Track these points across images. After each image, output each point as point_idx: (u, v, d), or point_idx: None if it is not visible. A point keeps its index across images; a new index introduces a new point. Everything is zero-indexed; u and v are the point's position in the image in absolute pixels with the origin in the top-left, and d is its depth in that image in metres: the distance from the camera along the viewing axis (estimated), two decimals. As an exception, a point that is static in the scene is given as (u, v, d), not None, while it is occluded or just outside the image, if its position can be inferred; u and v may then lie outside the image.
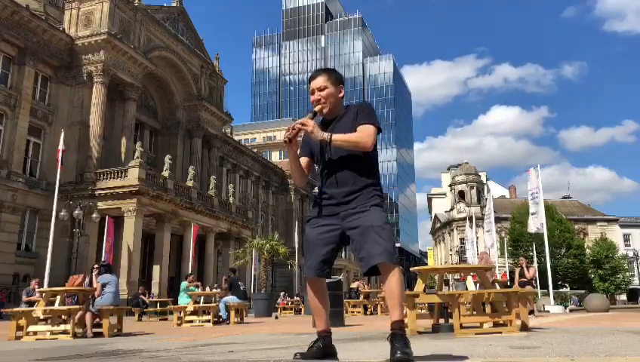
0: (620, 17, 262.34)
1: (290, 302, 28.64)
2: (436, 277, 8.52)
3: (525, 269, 14.39)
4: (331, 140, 3.09)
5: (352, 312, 17.89)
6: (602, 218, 74.53)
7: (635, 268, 57.95)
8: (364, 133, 3.10)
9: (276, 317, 14.44)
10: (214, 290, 18.38)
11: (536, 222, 23.18)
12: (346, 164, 3.18)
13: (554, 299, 23.11)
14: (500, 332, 5.91)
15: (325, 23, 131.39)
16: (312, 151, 3.36)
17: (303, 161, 3.37)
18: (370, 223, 3.03)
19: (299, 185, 3.52)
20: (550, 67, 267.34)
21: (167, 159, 33.72)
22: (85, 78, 32.45)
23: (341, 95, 3.32)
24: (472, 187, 75.42)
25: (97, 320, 8.97)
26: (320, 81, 3.29)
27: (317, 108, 3.29)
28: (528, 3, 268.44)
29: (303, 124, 3.12)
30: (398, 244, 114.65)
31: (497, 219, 38.68)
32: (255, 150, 61.18)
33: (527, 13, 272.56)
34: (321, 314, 3.25)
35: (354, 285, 22.07)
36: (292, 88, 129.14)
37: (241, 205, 45.17)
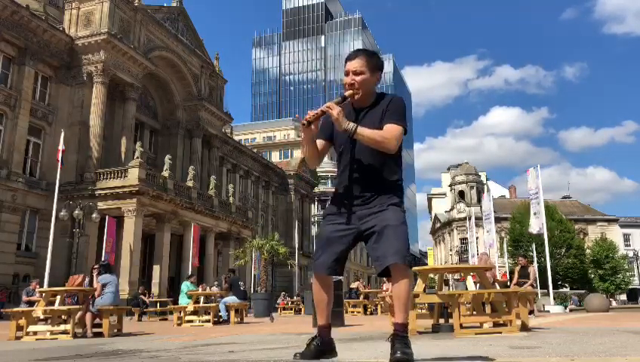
0: (619, 20, 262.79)
1: (290, 302, 28.63)
2: (436, 277, 8.52)
3: (530, 272, 14.10)
4: (355, 132, 2.92)
5: (352, 312, 17.90)
6: (602, 218, 74.49)
7: (635, 268, 57.92)
8: (389, 135, 2.94)
9: (272, 320, 14.36)
10: (215, 289, 18.36)
11: (538, 223, 23.17)
12: (373, 159, 3.03)
13: (554, 299, 23.11)
14: (500, 332, 5.92)
15: (325, 23, 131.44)
16: (332, 136, 3.18)
17: (320, 143, 3.17)
18: (386, 223, 2.95)
19: (311, 167, 3.46)
20: (550, 68, 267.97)
21: (167, 159, 33.72)
22: (85, 78, 32.44)
23: (377, 83, 3.12)
24: (472, 187, 75.39)
25: (97, 320, 8.97)
26: (357, 63, 3.05)
27: (348, 93, 3.05)
28: (528, 5, 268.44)
29: (328, 107, 2.92)
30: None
31: (497, 219, 38.67)
32: (255, 150, 61.17)
33: (527, 14, 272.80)
34: (325, 307, 3.19)
35: (354, 285, 22.08)
36: (292, 88, 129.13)
37: (241, 205, 45.15)
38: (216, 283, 26.30)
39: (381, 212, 2.99)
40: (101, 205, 29.46)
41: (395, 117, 2.98)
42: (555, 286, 27.91)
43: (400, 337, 2.92)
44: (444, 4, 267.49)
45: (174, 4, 41.31)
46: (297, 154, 72.83)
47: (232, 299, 13.78)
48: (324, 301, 3.19)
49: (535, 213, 23.33)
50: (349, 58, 3.11)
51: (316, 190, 68.32)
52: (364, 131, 2.92)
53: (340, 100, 3.02)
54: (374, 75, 3.08)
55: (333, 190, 3.25)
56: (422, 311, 9.16)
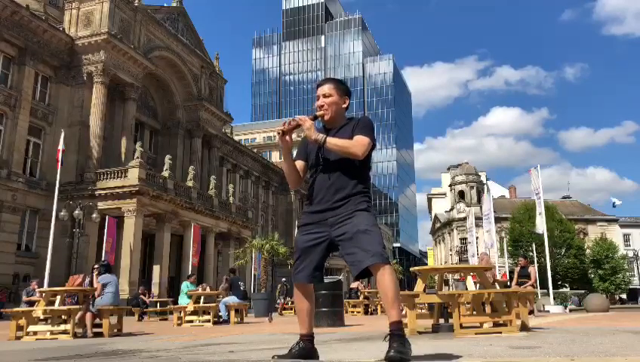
0: (619, 21, 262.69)
1: (290, 302, 28.58)
2: (436, 277, 8.52)
3: (531, 272, 14.07)
4: (325, 142, 3.16)
5: (352, 312, 17.90)
6: (602, 218, 74.44)
7: (635, 268, 57.92)
8: (357, 142, 3.16)
9: (270, 320, 14.30)
10: (220, 289, 18.35)
11: (540, 222, 23.17)
12: (339, 170, 3.22)
13: (554, 299, 23.10)
14: (500, 332, 5.91)
15: (325, 23, 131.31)
16: (308, 156, 3.39)
17: (299, 164, 3.40)
18: (357, 228, 3.07)
19: (292, 187, 3.53)
20: (551, 69, 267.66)
21: (167, 159, 33.71)
22: (85, 78, 32.45)
23: (345, 106, 3.38)
24: (472, 187, 75.37)
25: (97, 320, 8.97)
26: (326, 88, 3.36)
27: (319, 113, 3.34)
28: (527, 6, 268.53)
29: (300, 120, 3.20)
30: (397, 244, 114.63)
31: (497, 219, 38.65)
32: (255, 150, 61.18)
33: (526, 15, 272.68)
34: (307, 317, 3.27)
35: (354, 285, 22.06)
36: (292, 88, 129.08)
37: (241, 205, 45.16)
38: (222, 285, 26.27)
39: (350, 218, 3.13)
40: (101, 205, 29.46)
41: (364, 131, 3.22)
42: (555, 286, 27.92)
43: (396, 336, 2.93)
44: (445, 5, 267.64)
45: (174, 4, 41.32)
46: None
47: (232, 299, 13.78)
48: (305, 309, 3.27)
49: (540, 213, 23.31)
50: (320, 84, 3.42)
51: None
52: (333, 140, 3.17)
53: (311, 117, 3.30)
54: (342, 98, 3.37)
55: (306, 201, 3.38)
56: (422, 311, 9.16)
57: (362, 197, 3.21)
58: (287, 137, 3.25)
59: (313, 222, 3.23)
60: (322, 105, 3.33)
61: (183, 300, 14.27)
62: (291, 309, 26.61)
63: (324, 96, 3.33)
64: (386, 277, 2.98)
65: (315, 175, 3.32)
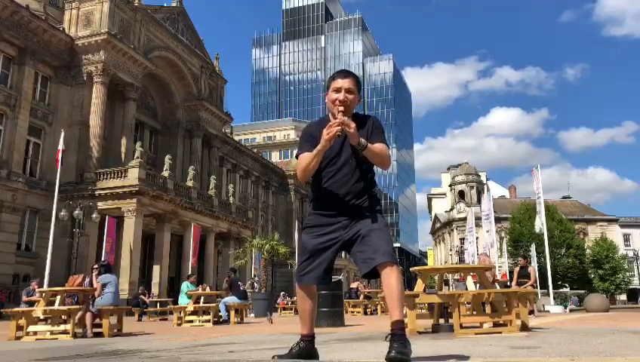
0: (619, 22, 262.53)
1: (290, 302, 28.58)
2: (436, 277, 8.52)
3: (531, 272, 14.07)
4: (367, 147, 3.03)
5: (352, 312, 17.90)
6: (602, 218, 74.48)
7: (635, 268, 57.93)
8: (388, 153, 3.17)
9: (271, 322, 14.21)
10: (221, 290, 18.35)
11: (539, 223, 23.16)
12: (358, 171, 3.18)
13: (554, 299, 23.11)
14: (500, 332, 5.91)
15: (325, 23, 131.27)
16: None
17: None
18: (370, 227, 3.08)
19: (304, 180, 3.32)
20: (551, 70, 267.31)
21: (167, 159, 33.72)
22: (85, 78, 32.45)
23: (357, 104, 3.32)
24: (472, 187, 75.39)
25: (97, 320, 8.97)
26: (351, 83, 3.18)
27: (341, 109, 3.12)
28: (527, 6, 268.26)
29: (349, 124, 2.97)
30: (397, 244, 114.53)
31: (497, 219, 38.66)
32: (255, 150, 61.18)
33: (526, 15, 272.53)
34: (309, 317, 3.27)
35: (354, 285, 22.08)
36: (292, 88, 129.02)
37: (241, 205, 45.15)
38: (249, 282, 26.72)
39: (365, 219, 3.13)
40: (101, 205, 29.45)
41: (383, 138, 3.19)
42: (555, 286, 27.90)
43: (398, 336, 2.93)
44: (445, 5, 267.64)
45: (174, 4, 41.31)
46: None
47: (232, 299, 13.77)
48: (309, 310, 3.26)
49: (540, 213, 23.30)
50: (341, 76, 3.21)
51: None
52: (374, 147, 3.07)
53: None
54: (358, 95, 3.24)
55: (313, 202, 3.30)
56: (422, 311, 9.16)
57: (375, 199, 3.23)
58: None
59: (324, 224, 3.17)
60: (345, 101, 3.13)
61: (183, 300, 14.27)
62: (291, 309, 26.61)
63: (348, 91, 3.15)
64: (393, 277, 2.99)
65: (329, 174, 3.18)
